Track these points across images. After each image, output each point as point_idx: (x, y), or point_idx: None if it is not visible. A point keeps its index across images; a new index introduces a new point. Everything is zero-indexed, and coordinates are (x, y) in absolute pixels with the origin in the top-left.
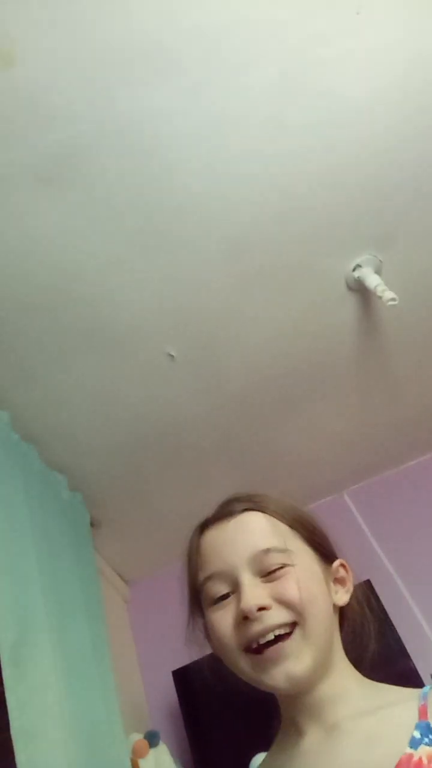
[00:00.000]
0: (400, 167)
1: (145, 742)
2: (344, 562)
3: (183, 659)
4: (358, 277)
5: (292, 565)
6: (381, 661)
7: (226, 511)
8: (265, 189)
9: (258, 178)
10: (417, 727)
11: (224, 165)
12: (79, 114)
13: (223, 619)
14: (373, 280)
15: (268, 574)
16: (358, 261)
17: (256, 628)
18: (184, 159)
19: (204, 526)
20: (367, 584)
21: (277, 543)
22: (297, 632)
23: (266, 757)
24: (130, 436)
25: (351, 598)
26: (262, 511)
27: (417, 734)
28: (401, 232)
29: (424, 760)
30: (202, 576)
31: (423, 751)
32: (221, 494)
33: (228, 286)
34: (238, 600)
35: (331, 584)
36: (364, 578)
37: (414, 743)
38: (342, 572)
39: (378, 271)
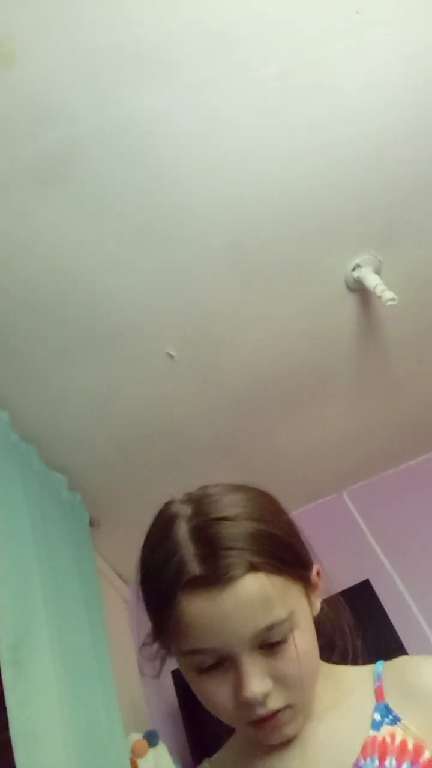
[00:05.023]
0: (399, 167)
1: (145, 742)
2: (319, 569)
3: None
4: (358, 276)
5: (292, 636)
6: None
7: (214, 572)
8: (265, 189)
9: (258, 178)
10: (376, 709)
11: (224, 165)
12: (78, 114)
13: (218, 692)
14: (372, 280)
15: (267, 646)
16: (357, 261)
17: (259, 712)
18: (184, 159)
19: (186, 584)
20: (366, 584)
21: (279, 614)
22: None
23: (220, 755)
24: (130, 436)
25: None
26: (256, 569)
27: (377, 717)
28: (401, 232)
29: (388, 740)
30: (184, 646)
31: (386, 731)
32: None
33: (227, 285)
34: (236, 677)
35: (310, 598)
36: (363, 578)
37: (375, 725)
38: (316, 580)
39: (377, 271)
